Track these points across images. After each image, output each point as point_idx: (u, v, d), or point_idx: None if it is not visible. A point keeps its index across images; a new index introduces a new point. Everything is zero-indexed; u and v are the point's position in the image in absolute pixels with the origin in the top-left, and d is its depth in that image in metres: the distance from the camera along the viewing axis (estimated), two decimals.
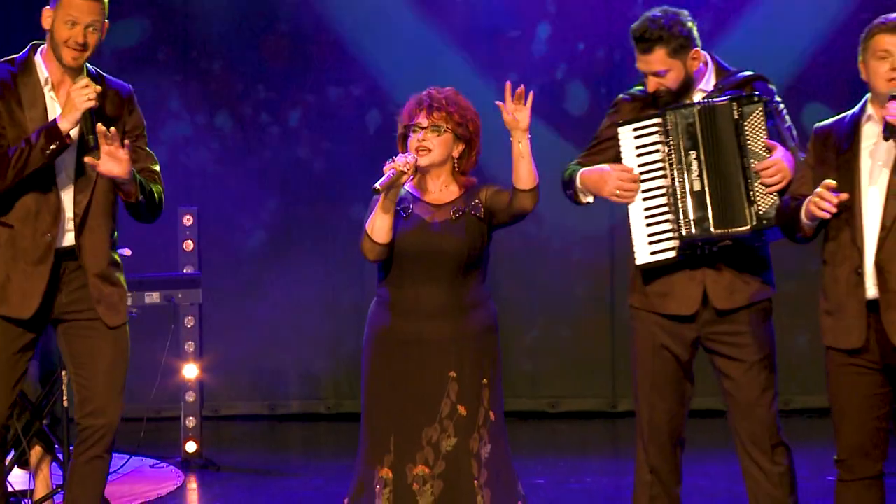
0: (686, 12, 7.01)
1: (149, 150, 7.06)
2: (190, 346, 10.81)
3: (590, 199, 7.16)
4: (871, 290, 6.38)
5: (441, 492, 6.88)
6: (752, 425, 7.09)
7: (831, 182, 6.30)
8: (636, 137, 7.04)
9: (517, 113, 6.68)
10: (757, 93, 6.93)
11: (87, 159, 6.70)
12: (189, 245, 10.53)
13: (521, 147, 6.73)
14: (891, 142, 6.35)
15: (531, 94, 6.68)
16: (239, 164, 12.17)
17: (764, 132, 6.86)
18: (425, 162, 6.85)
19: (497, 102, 6.66)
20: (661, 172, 7.02)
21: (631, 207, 7.04)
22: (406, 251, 6.87)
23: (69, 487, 7.14)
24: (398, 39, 12.29)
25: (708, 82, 7.07)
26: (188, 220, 10.66)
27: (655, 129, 7.02)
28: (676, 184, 7.00)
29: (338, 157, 12.12)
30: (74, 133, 6.76)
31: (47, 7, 6.81)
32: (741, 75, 7.04)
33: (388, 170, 6.69)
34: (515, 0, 12.29)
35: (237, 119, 12.39)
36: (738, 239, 6.92)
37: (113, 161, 6.64)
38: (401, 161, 6.73)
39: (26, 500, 8.22)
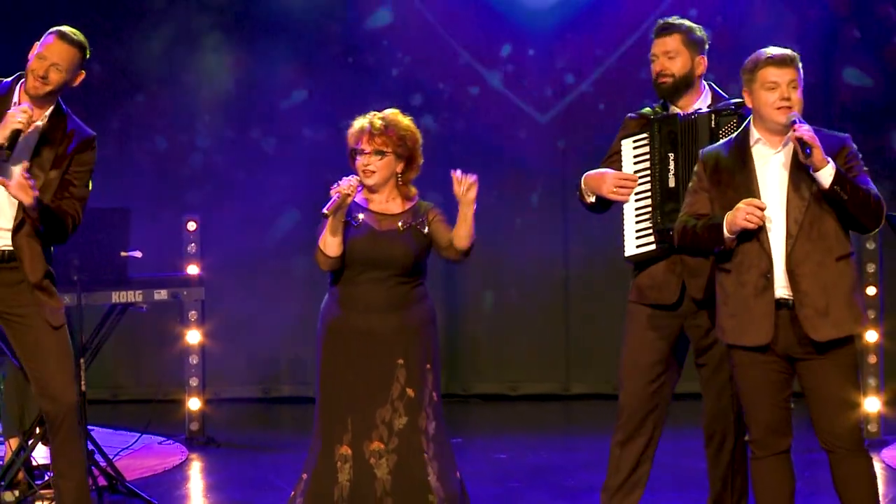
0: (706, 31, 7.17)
1: (81, 190, 7.05)
2: (193, 337, 10.80)
3: (592, 198, 7.18)
4: (780, 292, 6.40)
5: (395, 464, 6.91)
6: (719, 413, 7.12)
7: (762, 203, 6.33)
8: (634, 148, 7.11)
9: (468, 192, 6.77)
10: (732, 108, 6.94)
11: None
12: (193, 248, 10.53)
13: (467, 214, 6.82)
14: (780, 158, 6.44)
15: (476, 177, 6.76)
16: (237, 175, 12.15)
17: None
18: (371, 182, 6.91)
19: (452, 172, 6.77)
20: (649, 176, 7.05)
21: (625, 207, 7.08)
22: (357, 256, 6.92)
23: (54, 462, 7.17)
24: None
25: (704, 103, 7.09)
26: (192, 225, 10.66)
27: (646, 139, 7.07)
28: (657, 183, 7.02)
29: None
30: (27, 153, 6.85)
31: (36, 42, 6.93)
32: (732, 101, 7.03)
33: (334, 193, 6.75)
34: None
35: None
36: None
37: (21, 189, 6.73)
38: (345, 185, 6.78)
39: (48, 473, 8.20)
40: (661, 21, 7.14)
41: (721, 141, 6.69)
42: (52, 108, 6.95)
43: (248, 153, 12.16)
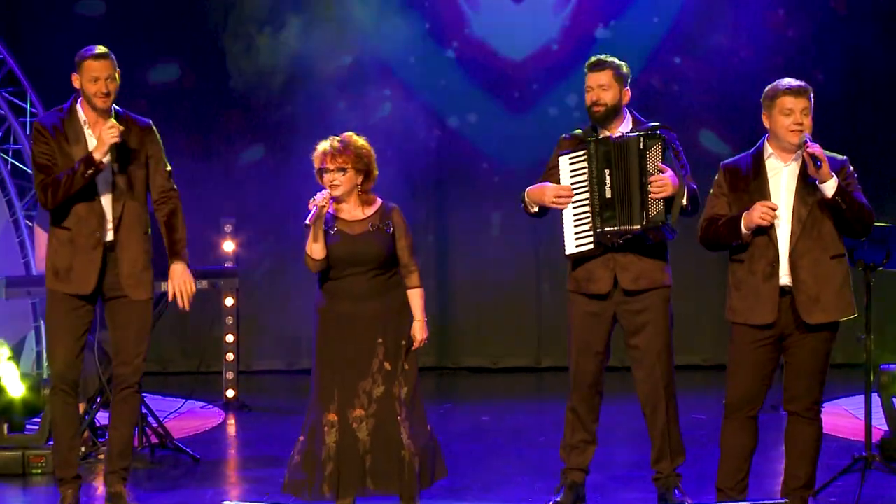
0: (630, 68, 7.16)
1: (167, 172, 7.17)
2: (229, 320, 10.83)
3: (535, 208, 7.20)
4: (783, 279, 6.44)
5: (373, 427, 6.94)
6: (650, 385, 7.13)
7: (774, 204, 6.39)
8: (570, 164, 7.09)
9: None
10: (658, 131, 6.95)
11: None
12: (229, 245, 10.57)
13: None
14: (790, 170, 6.46)
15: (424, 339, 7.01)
16: (268, 182, 12.15)
17: (659, 159, 6.90)
18: (337, 193, 6.93)
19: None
20: (585, 187, 7.05)
21: (564, 213, 7.09)
22: (338, 256, 6.94)
23: (111, 416, 7.22)
24: None
25: (626, 127, 7.09)
26: (228, 227, 10.71)
27: (583, 156, 7.06)
28: (595, 195, 7.03)
29: None
30: (107, 160, 6.91)
31: (74, 73, 7.00)
32: (650, 124, 7.06)
33: (312, 206, 6.81)
34: None
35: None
36: (636, 235, 6.94)
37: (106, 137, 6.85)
38: (319, 198, 6.84)
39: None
40: (594, 58, 7.15)
41: (732, 158, 6.71)
42: (112, 114, 7.04)
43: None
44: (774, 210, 6.40)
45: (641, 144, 6.94)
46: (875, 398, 7.73)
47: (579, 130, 7.19)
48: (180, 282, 7.15)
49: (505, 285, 12.19)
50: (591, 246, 7.07)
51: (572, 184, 7.08)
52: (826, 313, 6.44)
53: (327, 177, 6.92)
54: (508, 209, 12.05)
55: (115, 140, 6.85)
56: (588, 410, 7.23)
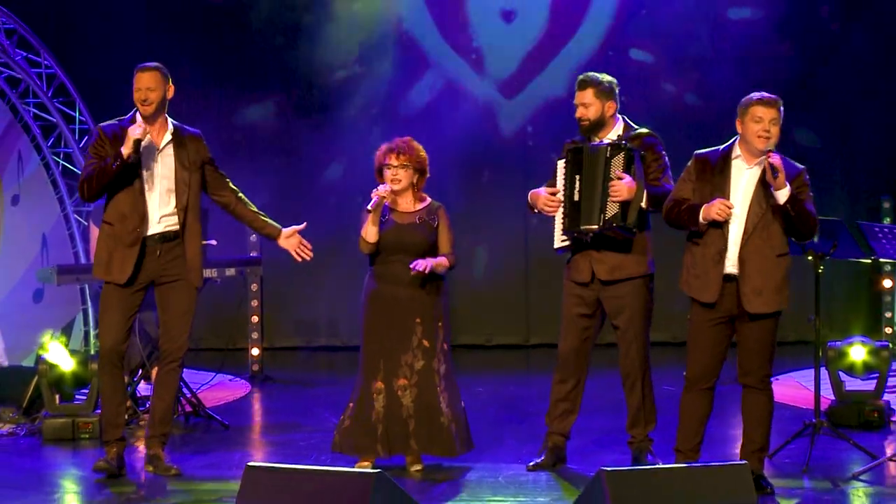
0: (616, 80, 7.12)
1: (223, 173, 7.21)
2: (254, 302, 10.86)
3: (536, 210, 7.21)
4: (729, 268, 6.46)
5: (416, 395, 7.05)
6: (629, 361, 7.14)
7: (731, 203, 6.41)
8: (563, 168, 7.11)
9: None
10: (625, 143, 6.93)
11: None
12: (254, 237, 10.56)
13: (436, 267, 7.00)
14: (752, 173, 6.46)
15: (428, 266, 6.96)
16: (291, 183, 12.09)
17: (621, 167, 6.89)
18: (398, 188, 7.01)
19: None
20: (565, 191, 7.06)
21: (556, 215, 7.10)
22: (387, 244, 7.02)
23: (155, 387, 7.28)
24: None
25: (616, 133, 7.08)
26: None
27: (566, 163, 7.08)
28: (566, 198, 7.05)
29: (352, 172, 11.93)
30: (165, 159, 6.99)
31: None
32: (638, 131, 7.06)
33: (374, 197, 6.89)
34: None
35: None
36: (597, 233, 6.94)
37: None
38: (382, 190, 6.93)
39: (149, 402, 8.25)
40: (580, 77, 7.15)
41: (706, 150, 6.69)
42: (168, 128, 7.05)
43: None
44: (730, 209, 6.41)
45: (608, 154, 6.94)
46: (823, 372, 7.75)
47: (577, 139, 7.17)
48: (296, 242, 7.23)
49: (497, 272, 12.19)
50: (568, 242, 7.12)
51: (561, 187, 7.09)
52: (767, 305, 6.48)
53: (389, 172, 7.02)
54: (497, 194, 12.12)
55: (138, 136, 6.88)
56: (572, 383, 7.24)
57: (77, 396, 8.47)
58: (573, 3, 12.05)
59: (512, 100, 12.17)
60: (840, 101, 11.88)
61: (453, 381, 7.17)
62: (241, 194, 7.26)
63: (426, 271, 6.98)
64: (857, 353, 8.35)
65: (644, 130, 7.09)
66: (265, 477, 5.84)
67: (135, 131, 6.88)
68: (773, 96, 6.49)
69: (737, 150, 6.54)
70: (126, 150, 6.87)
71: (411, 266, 6.96)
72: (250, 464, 6.01)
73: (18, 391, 8.56)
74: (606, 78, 7.12)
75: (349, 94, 12.11)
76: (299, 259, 7.23)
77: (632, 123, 7.19)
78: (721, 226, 6.45)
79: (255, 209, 7.26)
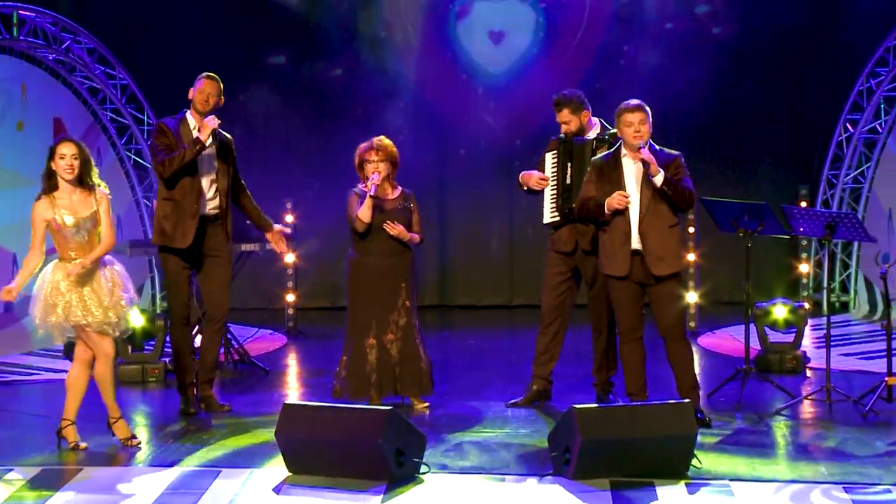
0: (581, 93, 7.08)
1: (237, 169, 7.20)
2: (290, 271, 10.84)
3: (526, 188, 7.19)
4: (635, 245, 6.47)
5: (400, 347, 7.06)
6: (596, 314, 7.14)
7: (627, 193, 6.41)
8: (551, 159, 7.11)
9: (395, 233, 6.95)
10: (606, 137, 6.93)
11: None
12: (289, 218, 10.54)
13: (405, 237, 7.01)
14: (638, 166, 6.47)
15: (398, 230, 6.93)
16: (315, 164, 11.90)
17: None
18: (378, 180, 6.98)
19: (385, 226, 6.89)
20: (556, 176, 7.08)
21: (544, 192, 7.10)
22: (375, 223, 7.03)
23: (204, 341, 7.26)
24: None
25: (594, 133, 7.09)
26: (289, 204, 10.68)
27: (556, 153, 7.09)
28: (560, 182, 7.06)
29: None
30: (210, 150, 6.96)
31: (191, 88, 7.01)
32: (608, 133, 7.01)
33: (371, 185, 6.92)
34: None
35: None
36: None
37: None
38: (375, 178, 6.94)
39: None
40: (554, 97, 7.11)
41: (600, 154, 6.72)
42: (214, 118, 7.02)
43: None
44: (627, 198, 6.43)
45: (594, 147, 6.96)
46: (752, 327, 7.75)
47: (562, 135, 7.14)
48: (278, 238, 7.34)
49: (485, 243, 12.06)
50: (558, 217, 7.12)
51: (551, 173, 7.10)
52: (670, 267, 6.50)
53: (370, 166, 6.99)
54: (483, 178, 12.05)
55: (215, 126, 6.91)
56: (552, 335, 7.23)
57: (146, 347, 8.48)
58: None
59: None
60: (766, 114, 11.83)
61: (422, 333, 7.21)
62: (246, 189, 7.28)
63: (400, 237, 7.00)
64: (780, 311, 8.37)
65: (614, 132, 7.07)
66: (299, 412, 5.89)
67: (213, 122, 6.89)
68: (638, 102, 6.48)
69: (623, 150, 6.57)
70: (204, 136, 6.89)
71: (391, 225, 6.95)
72: (287, 402, 6.07)
73: None
74: (576, 94, 7.12)
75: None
76: (278, 251, 7.46)
77: (606, 124, 7.16)
78: (622, 213, 6.47)
79: (255, 204, 7.29)
